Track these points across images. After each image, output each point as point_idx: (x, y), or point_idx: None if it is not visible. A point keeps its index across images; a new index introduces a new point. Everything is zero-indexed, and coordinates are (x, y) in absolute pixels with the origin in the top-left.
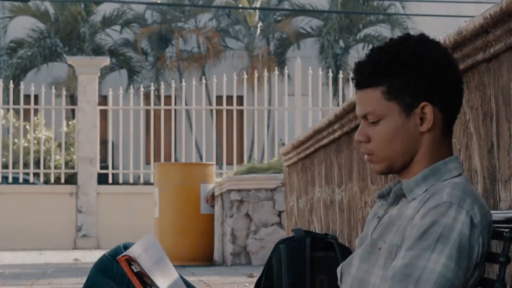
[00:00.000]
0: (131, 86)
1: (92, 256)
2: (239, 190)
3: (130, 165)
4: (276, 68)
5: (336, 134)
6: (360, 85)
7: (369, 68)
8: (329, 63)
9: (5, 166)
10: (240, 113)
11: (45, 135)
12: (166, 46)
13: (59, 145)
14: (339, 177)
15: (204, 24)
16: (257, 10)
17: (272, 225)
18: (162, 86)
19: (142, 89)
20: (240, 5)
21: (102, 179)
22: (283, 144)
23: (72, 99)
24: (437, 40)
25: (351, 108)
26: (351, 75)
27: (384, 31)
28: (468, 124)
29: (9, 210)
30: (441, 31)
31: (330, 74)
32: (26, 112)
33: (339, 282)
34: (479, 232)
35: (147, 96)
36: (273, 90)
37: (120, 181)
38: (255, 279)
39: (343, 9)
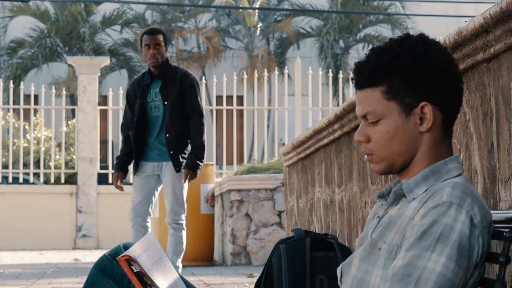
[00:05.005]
0: None
1: (92, 256)
2: (239, 190)
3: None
4: (276, 68)
5: (336, 134)
6: (359, 85)
7: (369, 68)
8: (329, 63)
9: (5, 166)
10: (240, 113)
11: (45, 135)
12: None
13: (59, 145)
14: (339, 177)
15: (204, 24)
16: (257, 10)
17: (272, 225)
18: None
19: None
20: (240, 5)
21: (102, 179)
22: (283, 144)
23: (72, 99)
24: (436, 40)
25: (351, 108)
26: (351, 75)
27: (384, 31)
28: (468, 124)
29: (9, 210)
30: (441, 31)
31: (330, 74)
32: (26, 112)
33: (339, 282)
34: (479, 232)
35: None
36: (273, 90)
37: None
38: (255, 279)
39: (343, 9)
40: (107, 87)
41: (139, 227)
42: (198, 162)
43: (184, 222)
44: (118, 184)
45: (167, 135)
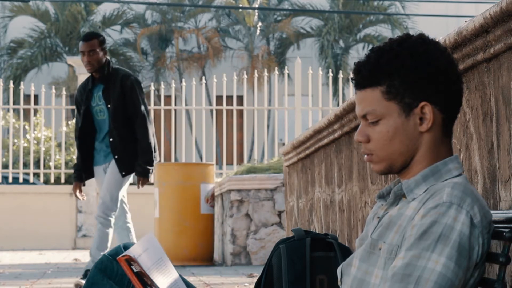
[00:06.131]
0: None
1: None
2: (239, 190)
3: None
4: (276, 68)
5: (336, 134)
6: (359, 85)
7: (369, 68)
8: (329, 63)
9: (5, 166)
10: (240, 113)
11: (45, 135)
12: (166, 46)
13: (59, 145)
14: (339, 177)
15: (204, 24)
16: (256, 10)
17: (272, 225)
18: (162, 86)
19: None
20: (240, 5)
21: None
22: (283, 144)
23: (72, 99)
24: (436, 40)
25: (351, 108)
26: (351, 75)
27: (384, 31)
28: (468, 124)
29: (9, 210)
30: (441, 31)
31: (330, 74)
32: (26, 112)
33: (339, 283)
34: (479, 232)
35: (147, 96)
36: (273, 90)
37: None
38: (255, 279)
39: (343, 9)
40: None
41: (123, 227)
42: (148, 167)
43: (113, 220)
44: (77, 193)
45: (111, 139)
